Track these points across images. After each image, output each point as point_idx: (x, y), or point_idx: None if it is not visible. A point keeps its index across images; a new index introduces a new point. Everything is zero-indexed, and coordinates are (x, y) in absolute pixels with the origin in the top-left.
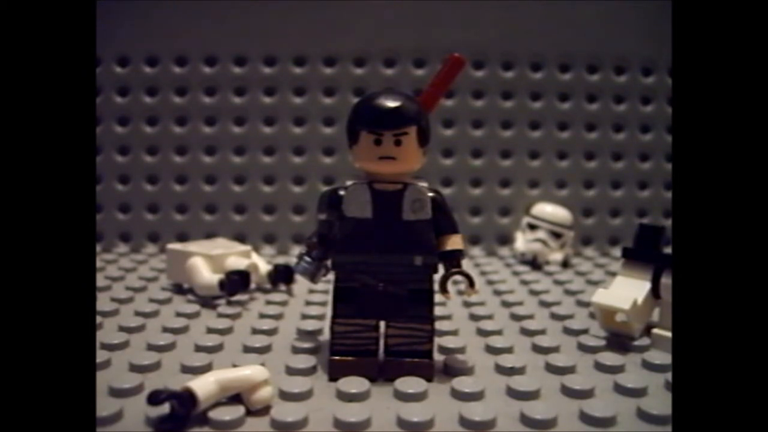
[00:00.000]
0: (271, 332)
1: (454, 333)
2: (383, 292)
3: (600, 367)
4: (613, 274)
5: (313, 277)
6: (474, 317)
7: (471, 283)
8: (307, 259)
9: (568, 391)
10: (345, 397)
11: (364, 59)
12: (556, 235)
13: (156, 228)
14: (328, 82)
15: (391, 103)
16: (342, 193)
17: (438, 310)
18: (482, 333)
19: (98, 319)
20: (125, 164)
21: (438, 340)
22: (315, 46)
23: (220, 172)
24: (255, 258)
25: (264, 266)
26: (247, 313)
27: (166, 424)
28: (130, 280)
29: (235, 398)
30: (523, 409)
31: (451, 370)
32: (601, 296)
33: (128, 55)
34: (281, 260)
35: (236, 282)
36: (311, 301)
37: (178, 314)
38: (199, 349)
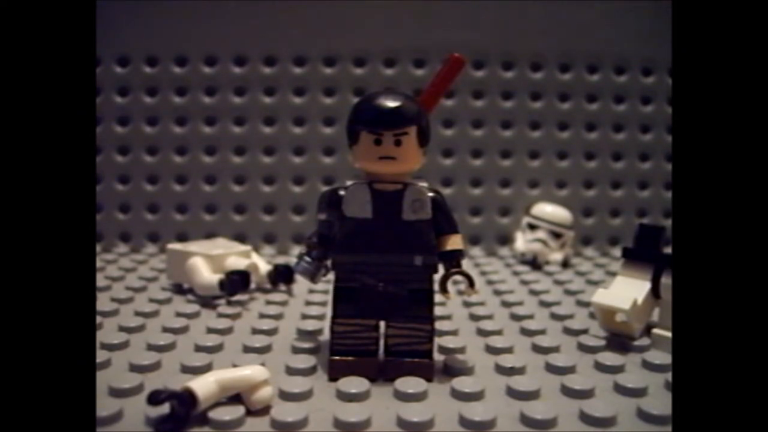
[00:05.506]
0: (271, 332)
1: (454, 333)
2: (383, 292)
3: (600, 367)
4: (613, 274)
5: (313, 277)
6: (474, 317)
7: (471, 283)
8: (307, 259)
9: (568, 391)
10: (345, 397)
11: (364, 59)
12: (556, 235)
13: (156, 228)
14: (328, 82)
15: (391, 103)
16: (342, 193)
17: (438, 310)
18: (482, 333)
19: (98, 319)
20: (125, 164)
21: (438, 340)
22: (315, 46)
23: (220, 172)
24: (255, 258)
25: (264, 266)
26: (247, 313)
27: (166, 424)
28: (130, 280)
29: (235, 398)
30: (523, 409)
31: (451, 370)
32: (601, 296)
33: (128, 55)
34: (281, 260)
35: (236, 282)
36: (311, 301)
37: (178, 314)
38: (199, 349)
